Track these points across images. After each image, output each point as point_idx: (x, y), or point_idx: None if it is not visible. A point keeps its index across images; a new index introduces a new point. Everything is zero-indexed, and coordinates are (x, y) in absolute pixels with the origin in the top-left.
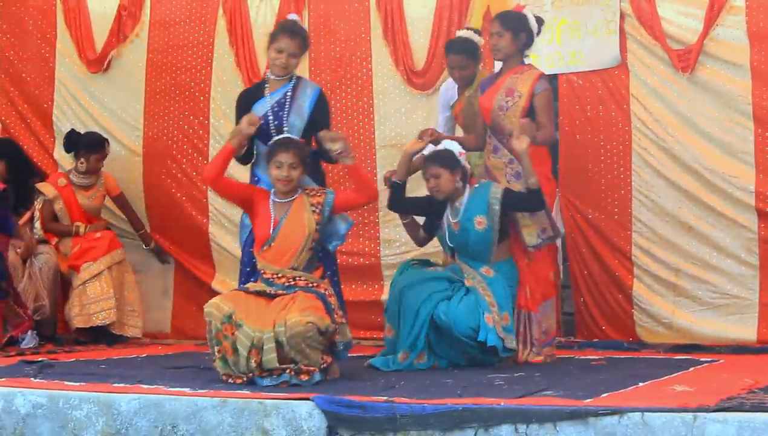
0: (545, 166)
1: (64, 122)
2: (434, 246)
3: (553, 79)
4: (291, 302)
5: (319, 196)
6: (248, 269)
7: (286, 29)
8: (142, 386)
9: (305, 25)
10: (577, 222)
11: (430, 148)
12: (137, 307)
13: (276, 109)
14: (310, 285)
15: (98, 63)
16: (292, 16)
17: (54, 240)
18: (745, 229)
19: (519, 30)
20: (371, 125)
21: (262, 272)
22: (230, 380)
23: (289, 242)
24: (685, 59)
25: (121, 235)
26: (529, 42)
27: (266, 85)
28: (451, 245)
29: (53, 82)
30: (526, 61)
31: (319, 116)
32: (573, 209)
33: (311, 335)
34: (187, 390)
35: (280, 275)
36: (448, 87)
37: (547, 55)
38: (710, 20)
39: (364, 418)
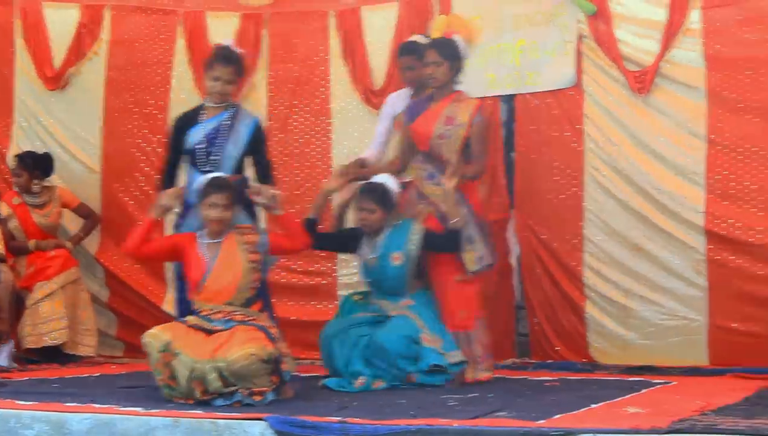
0: (474, 197)
1: (24, 140)
2: None
3: (509, 99)
4: (231, 337)
5: (252, 235)
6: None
7: (220, 56)
8: (94, 405)
9: (264, 44)
10: (531, 242)
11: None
12: (91, 326)
13: (212, 136)
14: (249, 319)
15: (57, 80)
16: (226, 42)
17: (11, 260)
18: (693, 250)
19: (455, 58)
20: (329, 145)
21: (199, 310)
22: (181, 401)
23: (222, 282)
24: (641, 81)
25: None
26: (461, 69)
27: (203, 112)
28: (368, 279)
29: (12, 99)
30: (458, 87)
31: (256, 146)
32: (527, 230)
33: (255, 367)
34: (139, 409)
35: (216, 311)
36: (399, 97)
37: (505, 76)
38: (667, 42)
39: None
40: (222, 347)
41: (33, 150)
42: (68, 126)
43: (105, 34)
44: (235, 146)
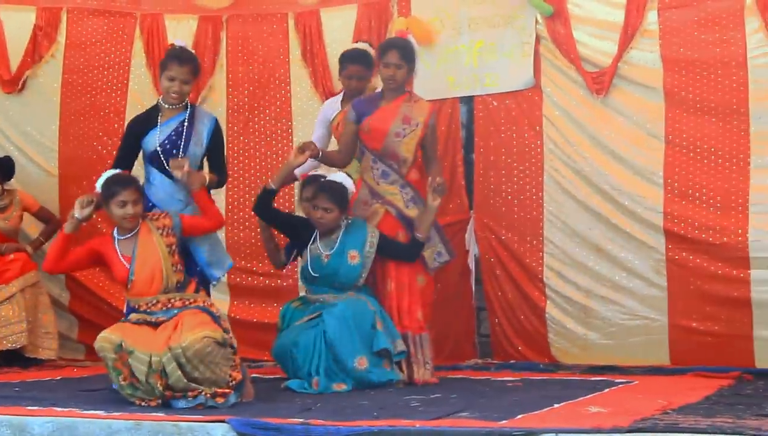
0: (426, 175)
1: None
2: None
3: (469, 100)
4: (179, 324)
5: (164, 218)
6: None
7: (174, 57)
8: (56, 408)
9: (222, 46)
10: (491, 243)
11: (312, 170)
12: (52, 329)
13: (173, 137)
14: (188, 302)
15: (13, 83)
16: (179, 43)
17: None
18: (653, 250)
19: (413, 61)
20: (289, 146)
21: (137, 306)
22: (143, 403)
23: (148, 271)
24: (600, 82)
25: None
26: (414, 71)
27: (159, 114)
28: (315, 275)
29: None
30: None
31: (215, 145)
32: (487, 231)
33: (210, 349)
34: (101, 413)
35: (154, 302)
36: (331, 103)
37: (464, 77)
38: (624, 43)
39: None
40: (173, 335)
41: None
42: (25, 129)
43: (62, 36)
44: (197, 146)
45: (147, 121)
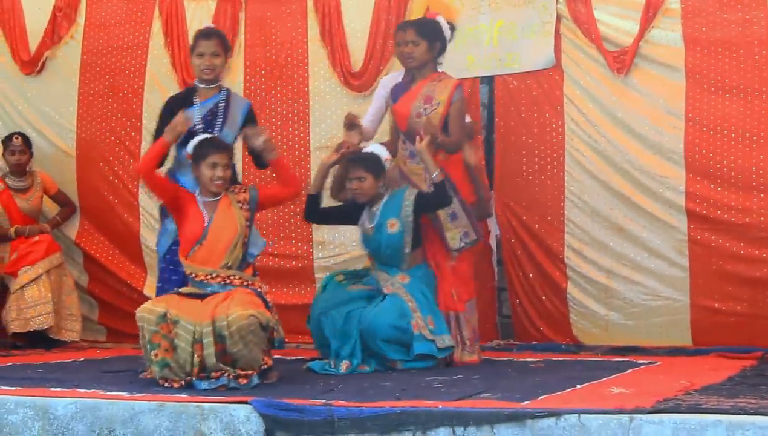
0: (459, 172)
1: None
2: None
3: (489, 80)
4: (229, 298)
5: (244, 193)
6: (164, 278)
7: (199, 34)
8: (78, 390)
9: (241, 27)
10: (511, 224)
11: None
12: (75, 311)
13: (209, 118)
14: (246, 283)
15: (32, 64)
16: (207, 25)
17: None
18: (675, 230)
19: (434, 39)
20: (306, 127)
21: (193, 275)
22: (167, 384)
23: (220, 241)
24: (621, 61)
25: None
26: (442, 50)
27: (195, 94)
28: (367, 250)
29: None
30: (440, 68)
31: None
32: (508, 211)
33: (254, 328)
34: (124, 394)
35: (214, 275)
36: (391, 79)
37: (484, 57)
38: (646, 22)
39: (301, 421)
40: (221, 306)
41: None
42: (43, 110)
43: (81, 17)
44: (231, 129)
45: (185, 100)
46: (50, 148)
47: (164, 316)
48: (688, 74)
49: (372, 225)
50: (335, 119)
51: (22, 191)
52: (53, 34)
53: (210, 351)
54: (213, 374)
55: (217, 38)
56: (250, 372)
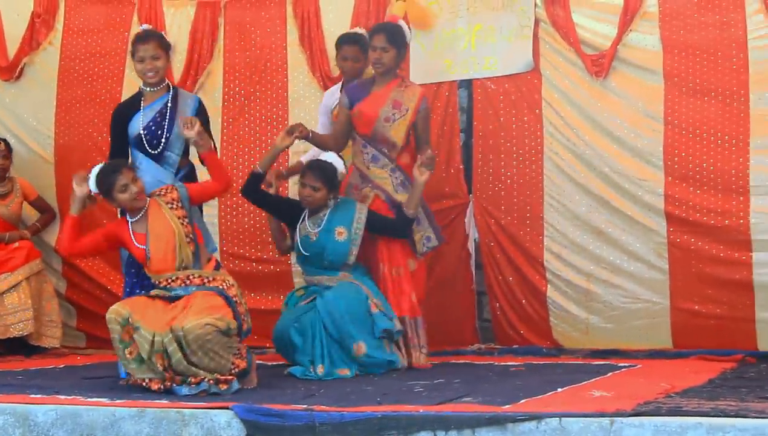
0: (415, 160)
1: None
2: None
3: (468, 84)
4: (188, 305)
5: (171, 192)
6: (128, 290)
7: (136, 38)
8: (59, 396)
9: (220, 32)
10: (490, 228)
11: (310, 154)
12: (55, 317)
13: (158, 119)
14: (206, 282)
15: (10, 70)
16: (143, 27)
17: None
18: (654, 233)
19: (402, 45)
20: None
21: (157, 282)
22: (145, 384)
23: (163, 246)
24: (599, 64)
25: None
26: (404, 55)
27: (141, 98)
28: (305, 254)
29: None
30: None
31: (202, 123)
32: (486, 215)
33: (211, 337)
34: (104, 400)
35: (174, 278)
36: (332, 92)
37: (462, 61)
38: (624, 26)
39: (283, 426)
40: (178, 317)
41: None
42: (21, 116)
43: (60, 24)
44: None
45: (131, 106)
46: (28, 154)
47: (128, 319)
48: (666, 77)
49: (317, 230)
50: (314, 124)
51: (1, 197)
52: (32, 40)
53: (178, 357)
54: (192, 380)
55: (155, 40)
56: (229, 378)
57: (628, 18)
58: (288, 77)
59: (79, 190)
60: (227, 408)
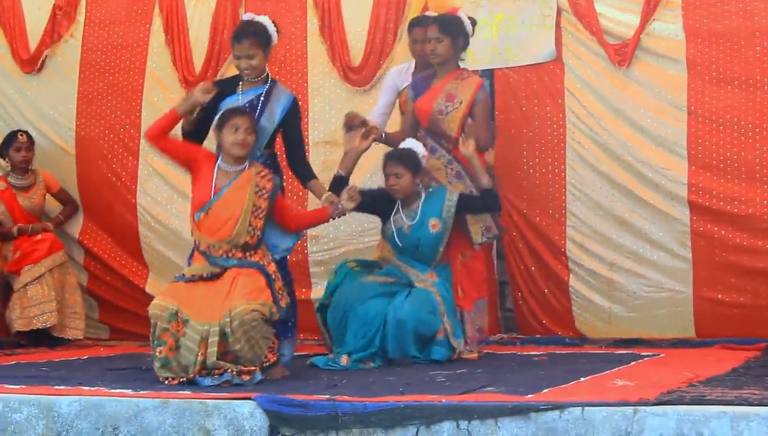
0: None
1: (0, 124)
2: (365, 242)
3: (489, 74)
4: (232, 288)
5: (267, 181)
6: None
7: (233, 36)
8: (82, 388)
9: None
10: (513, 217)
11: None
12: (79, 309)
13: (247, 108)
14: (247, 256)
15: (32, 63)
16: (245, 16)
17: None
18: (677, 221)
19: (457, 34)
20: (305, 122)
21: (198, 243)
22: (167, 382)
23: (226, 212)
24: (622, 54)
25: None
26: (465, 45)
27: (240, 83)
28: (398, 246)
29: None
30: (461, 64)
31: (290, 124)
32: (508, 204)
33: (256, 324)
34: (128, 391)
35: (216, 247)
36: (400, 71)
37: (483, 51)
38: (647, 15)
39: (305, 417)
40: (225, 303)
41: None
42: (43, 109)
43: (81, 15)
44: (268, 121)
45: (230, 85)
46: (50, 147)
47: (176, 314)
48: (689, 66)
49: (411, 223)
50: (334, 114)
51: (24, 190)
52: (53, 33)
53: (213, 350)
54: (215, 371)
55: (249, 38)
56: (252, 369)
57: (651, 7)
58: (308, 68)
59: (201, 97)
60: (250, 399)
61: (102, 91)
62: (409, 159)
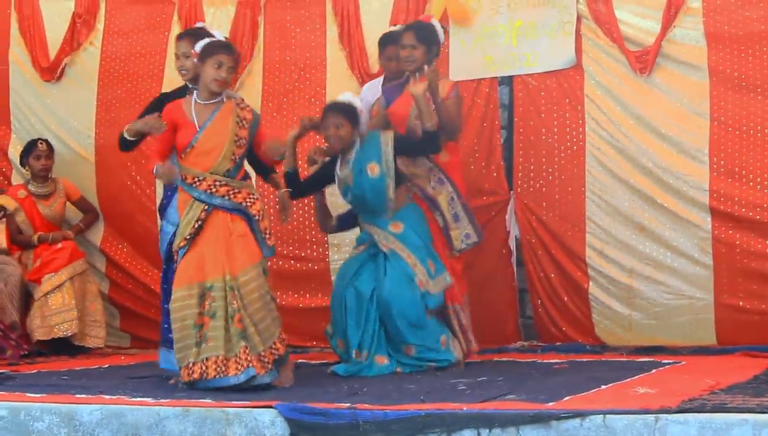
0: (458, 175)
1: (20, 132)
2: None
3: (508, 80)
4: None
5: (247, 112)
6: (165, 287)
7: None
8: (104, 396)
9: (260, 31)
10: (532, 224)
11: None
12: (99, 317)
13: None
14: (231, 195)
15: (51, 71)
16: (198, 25)
17: (17, 253)
18: (698, 228)
19: (432, 43)
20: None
21: (183, 177)
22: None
23: (211, 145)
24: (643, 61)
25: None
26: (437, 53)
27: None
28: (349, 200)
29: (7, 91)
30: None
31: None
32: (528, 211)
33: (263, 292)
34: (149, 400)
35: (201, 179)
36: (371, 87)
37: (502, 57)
38: (667, 22)
39: (326, 425)
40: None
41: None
42: (62, 117)
43: (100, 24)
44: None
45: (177, 97)
46: (70, 155)
47: (203, 295)
48: (711, 73)
49: (349, 171)
50: None
51: (44, 198)
52: (72, 41)
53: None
54: (241, 356)
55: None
56: (268, 363)
57: (671, 13)
58: (327, 75)
59: (150, 131)
60: (271, 407)
61: (121, 99)
62: (348, 110)
